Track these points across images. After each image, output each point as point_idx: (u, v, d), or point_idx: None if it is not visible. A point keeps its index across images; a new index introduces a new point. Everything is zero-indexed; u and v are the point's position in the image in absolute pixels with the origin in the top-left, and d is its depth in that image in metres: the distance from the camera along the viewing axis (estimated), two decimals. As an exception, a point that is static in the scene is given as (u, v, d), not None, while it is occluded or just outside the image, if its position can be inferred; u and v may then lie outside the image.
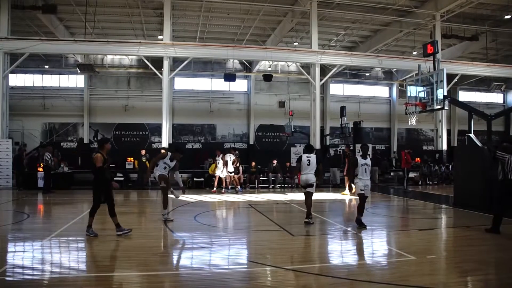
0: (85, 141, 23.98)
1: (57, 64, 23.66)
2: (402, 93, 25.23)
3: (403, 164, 16.94)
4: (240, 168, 16.95)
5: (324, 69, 21.72)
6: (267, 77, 21.55)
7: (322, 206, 11.89)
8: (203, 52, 18.89)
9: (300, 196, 13.48)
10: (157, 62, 18.47)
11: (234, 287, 4.87)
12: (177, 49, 18.05)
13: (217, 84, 25.38)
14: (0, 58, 16.38)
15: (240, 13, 19.75)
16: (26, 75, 23.58)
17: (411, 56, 23.38)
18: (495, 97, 29.87)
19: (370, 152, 8.88)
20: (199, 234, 7.86)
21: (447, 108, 11.89)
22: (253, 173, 17.62)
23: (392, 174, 21.07)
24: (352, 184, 8.48)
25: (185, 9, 19.40)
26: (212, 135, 25.83)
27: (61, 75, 24.07)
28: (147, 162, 16.62)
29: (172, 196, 9.23)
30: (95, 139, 24.08)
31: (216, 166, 15.91)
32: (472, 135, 11.56)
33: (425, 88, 11.89)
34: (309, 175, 8.66)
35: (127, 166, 17.43)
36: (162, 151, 16.83)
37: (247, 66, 24.97)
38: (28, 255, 6.02)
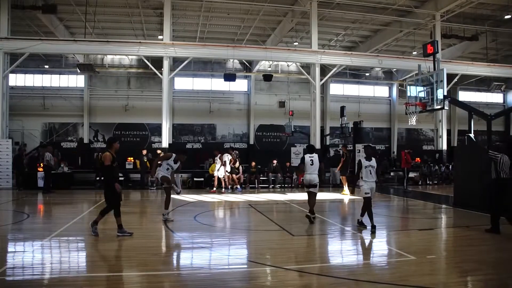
0: (85, 141, 23.98)
1: (57, 64, 23.65)
2: (402, 93, 25.23)
3: (403, 164, 16.93)
4: (240, 168, 16.98)
5: (324, 69, 21.71)
6: (267, 77, 21.54)
7: (322, 206, 11.88)
8: (203, 52, 18.89)
9: (300, 196, 13.54)
10: (157, 62, 18.47)
11: (234, 287, 4.87)
12: (177, 49, 18.05)
13: (217, 84, 25.38)
14: (0, 58, 16.38)
15: (240, 13, 19.75)
16: (26, 75, 23.58)
17: (411, 56, 23.36)
18: (495, 97, 29.86)
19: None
20: (199, 234, 7.87)
21: (447, 108, 11.88)
22: (253, 173, 17.62)
23: (392, 174, 21.07)
24: (357, 187, 8.35)
25: (185, 9, 19.39)
26: (212, 135, 25.83)
27: (61, 75, 24.06)
28: (147, 162, 16.65)
29: (174, 194, 9.21)
30: (95, 138, 24.12)
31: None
32: (472, 135, 11.57)
33: (425, 88, 11.88)
34: (312, 175, 8.69)
35: (127, 166, 17.43)
36: (158, 151, 16.91)
37: (247, 66, 24.96)
38: (28, 255, 6.02)
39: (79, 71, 19.70)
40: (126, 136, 24.43)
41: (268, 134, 26.47)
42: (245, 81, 26.15)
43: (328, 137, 25.03)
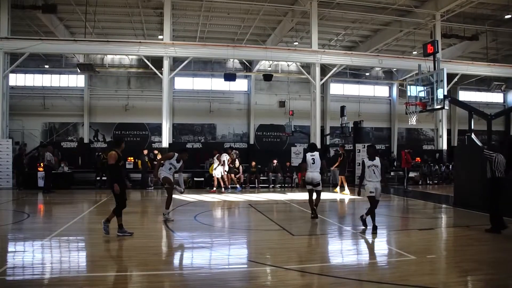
0: (85, 141, 23.99)
1: (57, 64, 23.65)
2: (402, 92, 25.21)
3: (403, 163, 16.94)
4: (241, 167, 16.99)
5: (324, 68, 21.71)
6: (267, 77, 21.53)
7: (322, 206, 11.82)
8: (203, 51, 18.88)
9: (300, 196, 13.53)
10: (157, 62, 18.47)
11: (234, 286, 4.87)
12: (177, 49, 18.06)
13: (217, 83, 25.38)
14: (0, 58, 16.38)
15: (240, 12, 19.74)
16: (26, 75, 23.59)
17: (411, 55, 23.36)
18: (495, 97, 29.84)
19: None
20: (199, 233, 7.87)
21: (447, 108, 11.87)
22: (253, 173, 17.63)
23: (392, 173, 21.08)
24: (361, 188, 8.24)
25: (185, 9, 19.38)
26: (212, 135, 25.83)
27: (61, 75, 24.06)
28: (148, 162, 16.65)
29: (176, 194, 9.21)
30: (95, 138, 24.13)
31: (216, 166, 15.98)
32: (472, 135, 11.56)
33: (425, 87, 11.88)
34: (314, 173, 8.75)
35: (127, 166, 17.41)
36: (155, 151, 16.90)
37: (247, 66, 24.96)
38: (28, 255, 6.02)
39: (79, 71, 19.71)
40: (126, 136, 24.37)
41: (268, 134, 26.47)
42: (245, 81, 26.15)
43: (328, 137, 25.04)
